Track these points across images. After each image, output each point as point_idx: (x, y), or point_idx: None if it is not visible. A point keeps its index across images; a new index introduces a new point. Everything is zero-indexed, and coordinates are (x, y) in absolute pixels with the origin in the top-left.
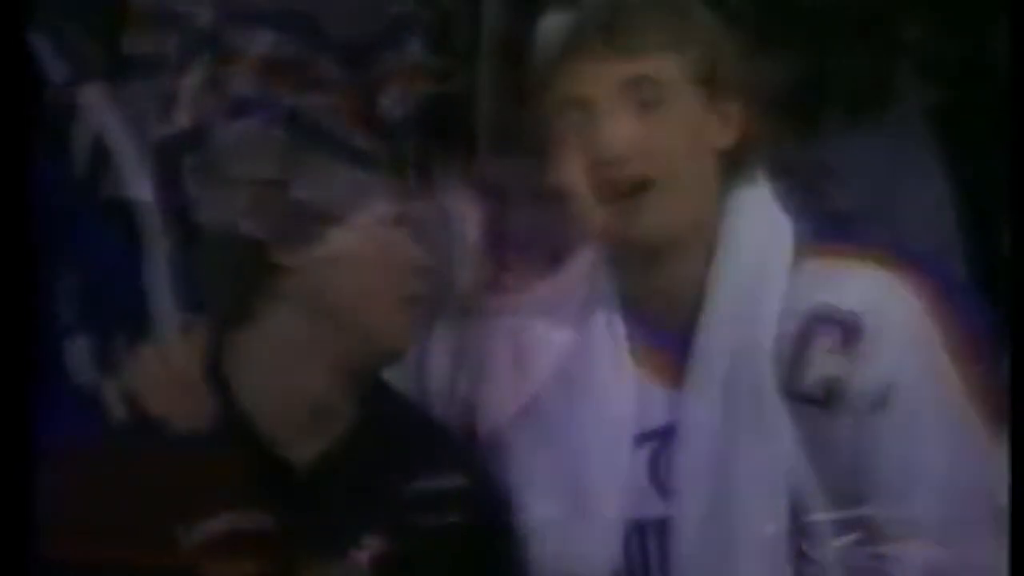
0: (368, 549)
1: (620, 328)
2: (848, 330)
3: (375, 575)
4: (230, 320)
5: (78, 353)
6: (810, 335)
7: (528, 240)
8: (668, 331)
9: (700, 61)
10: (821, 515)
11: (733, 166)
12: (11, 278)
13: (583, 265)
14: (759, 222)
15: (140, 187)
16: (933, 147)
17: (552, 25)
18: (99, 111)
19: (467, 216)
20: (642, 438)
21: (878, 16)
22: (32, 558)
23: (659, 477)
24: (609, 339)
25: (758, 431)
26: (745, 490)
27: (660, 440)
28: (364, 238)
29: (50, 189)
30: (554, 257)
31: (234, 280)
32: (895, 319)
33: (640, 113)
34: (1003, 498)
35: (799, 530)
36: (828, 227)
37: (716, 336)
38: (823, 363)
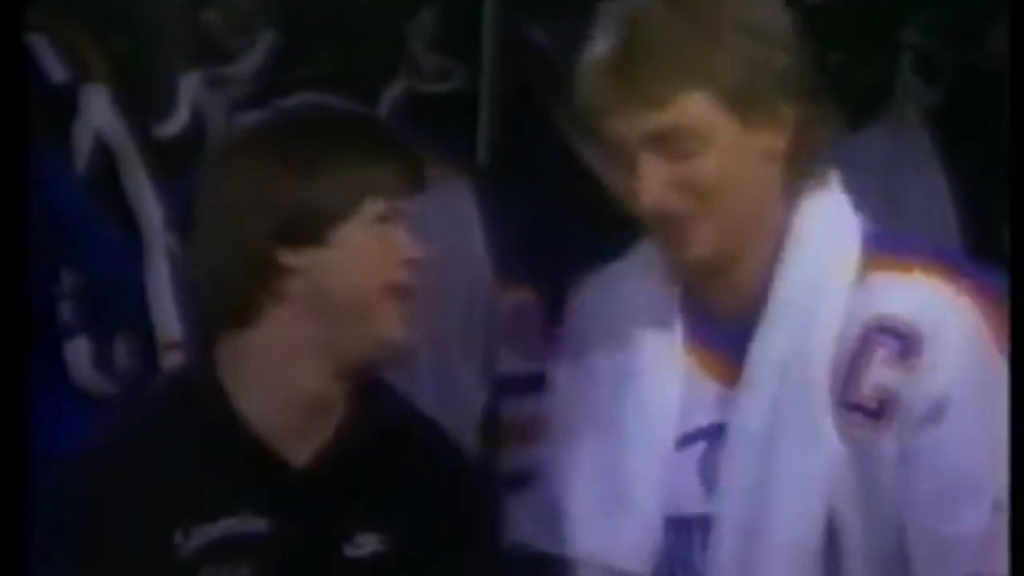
0: (365, 548)
1: (676, 322)
2: (907, 342)
3: (373, 574)
4: (229, 321)
5: (78, 354)
6: (868, 345)
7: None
8: (725, 329)
9: (737, 86)
10: (856, 524)
11: (795, 166)
12: (10, 278)
13: (639, 260)
14: (827, 226)
15: (140, 187)
16: (932, 147)
17: (588, 58)
18: (99, 111)
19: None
20: (690, 435)
21: (878, 18)
22: (30, 561)
23: (704, 475)
24: (665, 332)
25: (804, 438)
26: (785, 495)
27: (708, 438)
28: (362, 234)
29: (50, 189)
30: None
31: (236, 281)
32: (954, 334)
33: (678, 162)
34: None
35: (834, 539)
36: (892, 235)
37: (774, 339)
38: (878, 374)
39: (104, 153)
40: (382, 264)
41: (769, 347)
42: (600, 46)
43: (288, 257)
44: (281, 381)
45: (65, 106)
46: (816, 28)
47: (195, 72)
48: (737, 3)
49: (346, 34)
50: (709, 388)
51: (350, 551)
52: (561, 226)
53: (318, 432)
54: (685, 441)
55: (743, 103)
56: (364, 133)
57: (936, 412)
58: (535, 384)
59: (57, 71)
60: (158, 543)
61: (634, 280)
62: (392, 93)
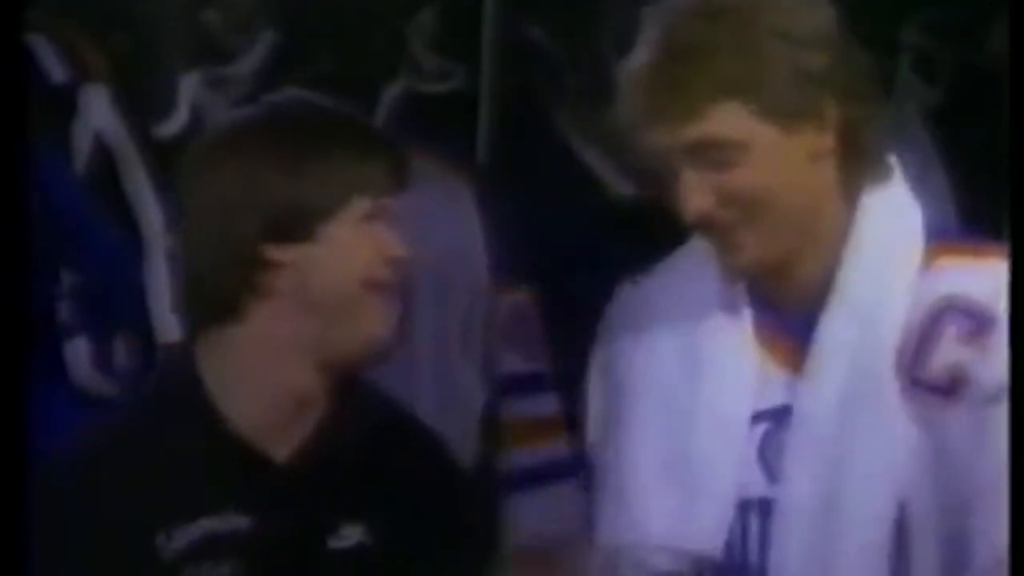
0: (350, 539)
1: (744, 309)
2: (978, 320)
3: (357, 567)
4: (213, 317)
5: (78, 354)
6: (939, 323)
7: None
8: (793, 315)
9: (774, 93)
10: (928, 505)
11: (849, 163)
12: (10, 278)
13: (696, 253)
14: (890, 218)
15: (140, 187)
16: (932, 147)
17: (630, 67)
18: (99, 111)
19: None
20: (757, 418)
21: (878, 18)
22: (31, 560)
23: (772, 459)
24: (732, 319)
25: (874, 423)
26: (854, 480)
27: (774, 421)
28: (348, 232)
29: (50, 189)
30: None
31: (221, 276)
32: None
33: (717, 172)
34: None
35: (903, 522)
36: (958, 225)
37: (841, 324)
38: (950, 352)
39: (104, 153)
40: (367, 261)
41: (835, 335)
42: (641, 55)
43: (274, 253)
44: (264, 377)
45: (65, 106)
46: None
47: (195, 72)
48: (775, 8)
49: (346, 34)
50: (775, 375)
51: (335, 543)
52: (561, 226)
53: (300, 428)
54: (753, 425)
55: (781, 109)
56: (351, 131)
57: (1003, 392)
58: (535, 384)
59: (57, 71)
60: (141, 546)
61: (693, 271)
62: (392, 93)
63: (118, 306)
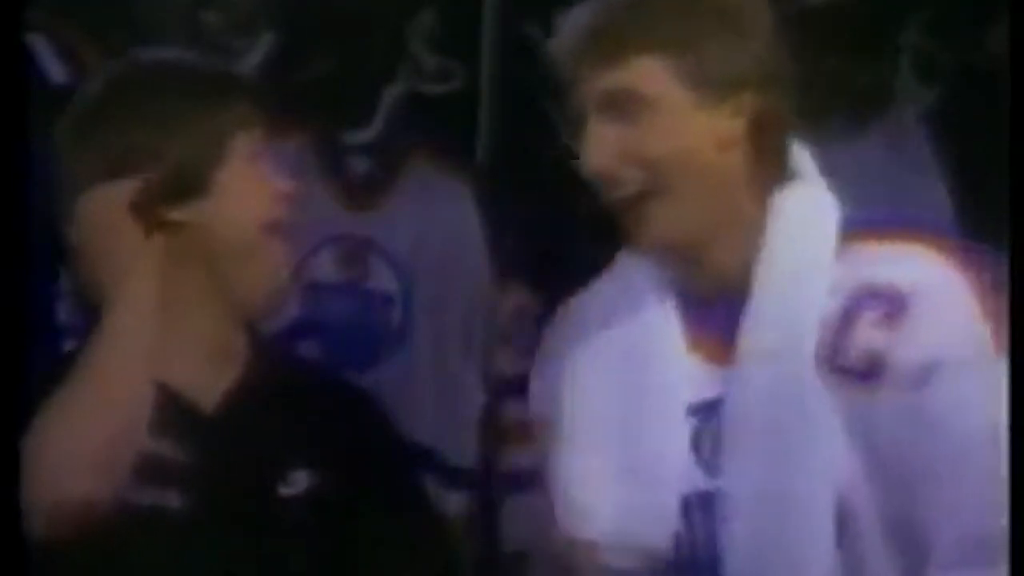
0: (297, 485)
1: (672, 305)
2: (893, 304)
3: (309, 509)
4: (121, 283)
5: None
6: (855, 309)
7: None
8: (718, 309)
9: (702, 59)
10: (866, 490)
11: (757, 153)
12: (10, 278)
13: (635, 254)
14: (804, 215)
15: None
16: (931, 149)
17: (566, 25)
18: None
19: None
20: (692, 413)
21: (877, 19)
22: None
23: (707, 452)
24: (663, 317)
25: (802, 413)
26: (789, 471)
27: (708, 415)
28: (235, 176)
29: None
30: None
31: (118, 238)
32: (940, 296)
33: (626, 127)
34: None
35: (844, 509)
36: (875, 214)
37: (761, 320)
38: (867, 336)
39: None
40: (261, 204)
41: (758, 327)
42: (580, 12)
43: (172, 215)
44: (181, 331)
45: (65, 106)
46: (815, 29)
47: None
48: None
49: (346, 35)
50: (707, 369)
51: (284, 490)
52: (560, 226)
53: (223, 381)
54: (689, 420)
55: (702, 78)
56: (210, 78)
57: (926, 373)
58: None
59: (57, 71)
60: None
61: (631, 274)
62: (392, 93)
63: None
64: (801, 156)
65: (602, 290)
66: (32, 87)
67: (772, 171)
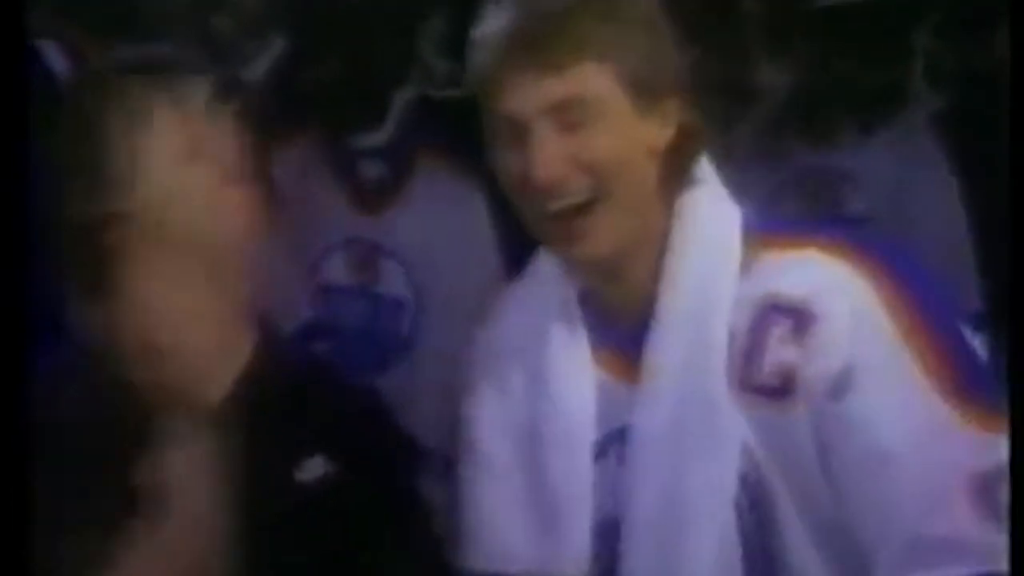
0: (312, 472)
1: (580, 326)
2: (800, 318)
3: (323, 496)
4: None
5: None
6: (762, 325)
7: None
8: (625, 329)
9: (635, 64)
10: (784, 503)
11: (675, 164)
12: (13, 278)
13: (546, 264)
14: (708, 219)
15: None
16: (941, 151)
17: (485, 33)
18: None
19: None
20: (605, 438)
21: (888, 21)
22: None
23: (620, 477)
24: (571, 338)
25: (711, 434)
26: (696, 494)
27: (617, 439)
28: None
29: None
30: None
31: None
32: (846, 305)
33: (572, 134)
34: (974, 468)
35: (762, 522)
36: (773, 216)
37: (668, 338)
38: (776, 352)
39: None
40: (211, 167)
41: (665, 346)
42: (495, 20)
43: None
44: (172, 337)
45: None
46: (825, 31)
47: (205, 77)
48: None
49: (356, 38)
50: (615, 391)
51: (299, 475)
52: None
53: (228, 371)
54: (601, 444)
55: (639, 87)
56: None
57: (841, 384)
58: None
59: (62, 73)
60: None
61: (536, 290)
62: (403, 97)
63: None
64: (704, 166)
65: (507, 312)
66: (37, 88)
67: (681, 182)
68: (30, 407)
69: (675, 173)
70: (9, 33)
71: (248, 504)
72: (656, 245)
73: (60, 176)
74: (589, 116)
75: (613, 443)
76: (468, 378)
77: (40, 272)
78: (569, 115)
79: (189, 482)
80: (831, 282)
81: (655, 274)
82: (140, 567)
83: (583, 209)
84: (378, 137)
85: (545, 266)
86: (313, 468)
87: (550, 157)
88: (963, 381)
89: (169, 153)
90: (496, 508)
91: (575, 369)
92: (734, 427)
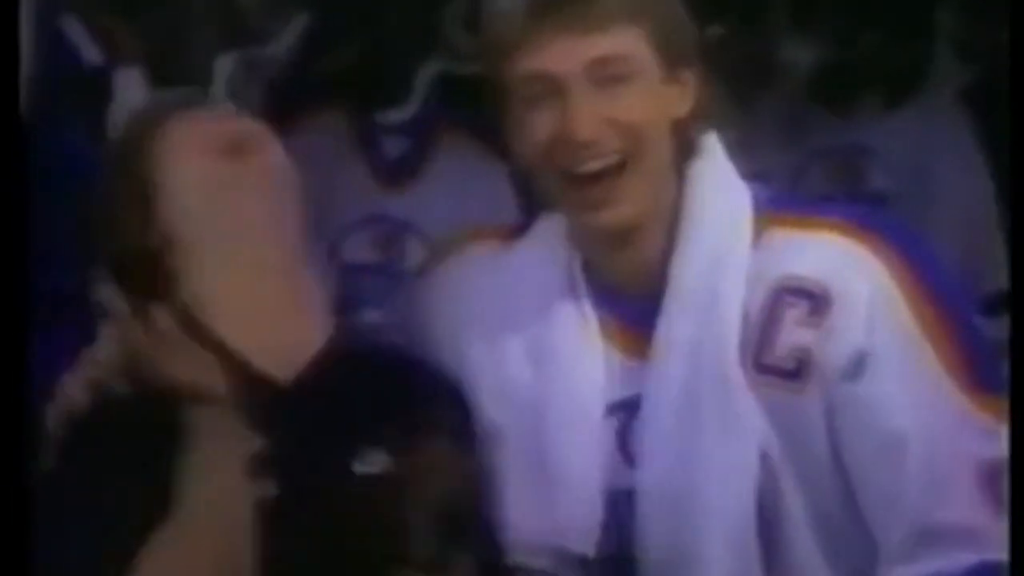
0: (374, 465)
1: (587, 300)
2: (816, 300)
3: (381, 489)
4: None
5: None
6: (778, 306)
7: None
8: (634, 303)
9: (663, 30)
10: (791, 486)
11: (688, 135)
12: (40, 261)
13: (547, 234)
14: (719, 193)
15: None
16: (968, 128)
17: (502, 4)
18: (133, 95)
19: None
20: (610, 409)
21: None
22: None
23: (626, 448)
24: (575, 310)
25: (723, 411)
26: (707, 469)
27: (627, 411)
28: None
29: (83, 173)
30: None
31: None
32: (862, 288)
33: (609, 92)
34: (985, 455)
35: (768, 504)
36: (795, 192)
37: (679, 315)
38: (792, 334)
39: None
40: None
41: (676, 324)
42: None
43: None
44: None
45: (99, 89)
46: (849, 6)
47: (229, 54)
48: None
49: (380, 15)
50: (623, 364)
51: (356, 465)
52: None
53: (300, 352)
54: (607, 414)
55: (666, 53)
56: None
57: (856, 368)
58: None
59: (90, 54)
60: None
61: (537, 255)
62: (427, 73)
63: None
64: (713, 141)
65: (504, 275)
66: (65, 70)
67: (691, 156)
68: (31, 407)
69: (687, 145)
70: (39, 15)
71: (306, 494)
72: (667, 216)
73: (115, 209)
74: (625, 74)
75: (622, 414)
76: (464, 339)
77: (43, 271)
78: (606, 71)
79: (220, 480)
80: (849, 265)
81: (665, 246)
82: (169, 566)
83: (612, 172)
84: (402, 113)
85: (546, 232)
86: (374, 461)
87: (588, 115)
88: (977, 369)
89: (211, 166)
90: (505, 477)
91: (579, 339)
92: (750, 406)
